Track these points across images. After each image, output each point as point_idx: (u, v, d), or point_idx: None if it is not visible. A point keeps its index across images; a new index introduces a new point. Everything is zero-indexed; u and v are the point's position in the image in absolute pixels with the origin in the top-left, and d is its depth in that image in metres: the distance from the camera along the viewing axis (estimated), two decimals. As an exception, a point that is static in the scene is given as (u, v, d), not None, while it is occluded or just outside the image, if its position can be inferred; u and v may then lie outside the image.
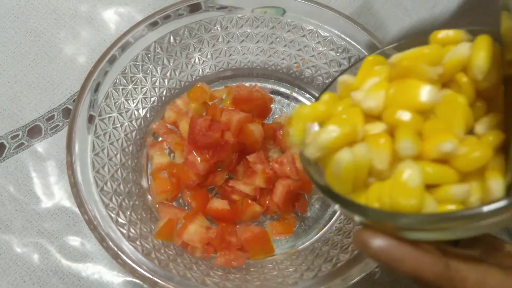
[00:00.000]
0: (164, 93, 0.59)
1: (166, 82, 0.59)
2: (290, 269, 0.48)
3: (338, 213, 0.55)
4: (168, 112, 0.57)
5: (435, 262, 0.28)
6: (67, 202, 0.58)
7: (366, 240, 0.30)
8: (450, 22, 0.72)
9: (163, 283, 0.43)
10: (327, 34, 0.56)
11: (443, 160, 0.29)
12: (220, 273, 0.48)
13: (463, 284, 0.28)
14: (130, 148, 0.55)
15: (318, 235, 0.54)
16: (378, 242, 0.29)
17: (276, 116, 0.61)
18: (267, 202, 0.53)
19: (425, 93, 0.30)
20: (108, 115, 0.53)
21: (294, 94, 0.62)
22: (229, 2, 0.57)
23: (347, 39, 0.56)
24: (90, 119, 0.51)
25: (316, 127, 0.36)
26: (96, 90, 0.52)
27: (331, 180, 0.32)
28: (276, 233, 0.52)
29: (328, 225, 0.54)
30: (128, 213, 0.49)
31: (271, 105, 0.59)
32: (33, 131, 0.62)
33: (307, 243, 0.53)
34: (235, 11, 0.57)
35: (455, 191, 0.28)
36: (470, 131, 0.31)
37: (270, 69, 0.62)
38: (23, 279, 0.54)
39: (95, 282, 0.54)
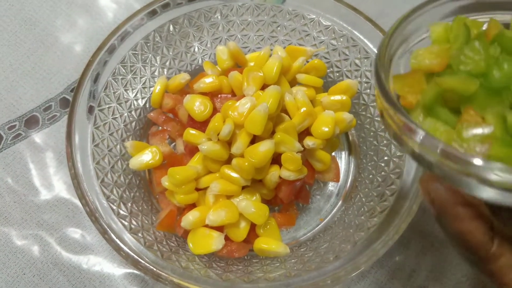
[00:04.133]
0: (164, 82, 0.58)
1: (165, 72, 0.58)
2: (293, 261, 0.48)
3: (339, 203, 0.55)
4: (166, 99, 0.56)
5: (484, 232, 0.30)
6: (66, 193, 0.58)
7: (434, 184, 0.31)
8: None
9: (166, 275, 0.43)
10: (329, 23, 0.56)
11: None
12: (222, 264, 0.48)
13: (496, 260, 0.29)
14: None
15: (320, 226, 0.54)
16: (443, 192, 0.31)
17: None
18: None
19: None
20: (107, 106, 0.52)
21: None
22: (229, -10, 0.56)
23: (349, 28, 0.55)
24: (90, 109, 0.50)
25: None
26: (95, 80, 0.51)
27: None
28: (278, 225, 0.52)
29: (330, 216, 0.54)
30: (129, 204, 0.49)
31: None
32: (30, 122, 0.61)
33: (308, 234, 0.53)
34: (235, -1, 0.57)
35: None
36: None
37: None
38: (23, 272, 0.54)
39: (96, 274, 0.54)
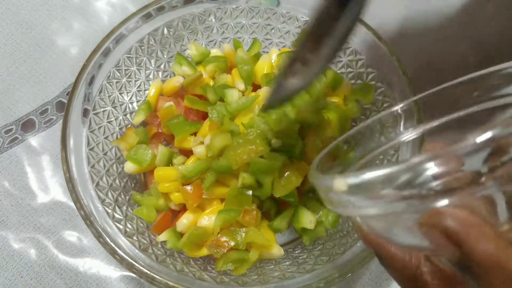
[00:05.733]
0: (159, 85, 0.58)
1: (160, 75, 0.58)
2: (287, 263, 0.48)
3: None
4: (160, 102, 0.56)
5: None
6: (63, 197, 0.58)
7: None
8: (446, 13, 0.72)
9: (161, 278, 0.43)
10: (323, 25, 0.56)
11: None
12: (217, 267, 0.48)
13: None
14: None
15: (315, 227, 0.54)
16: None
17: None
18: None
19: None
20: (102, 109, 0.52)
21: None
22: (224, -7, 0.56)
23: (343, 30, 0.55)
24: (85, 113, 0.50)
25: None
26: (90, 83, 0.51)
27: None
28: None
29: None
30: (125, 208, 0.49)
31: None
32: (27, 125, 0.62)
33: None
34: (229, 2, 0.57)
35: None
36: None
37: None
38: (20, 275, 0.54)
39: (92, 277, 0.54)
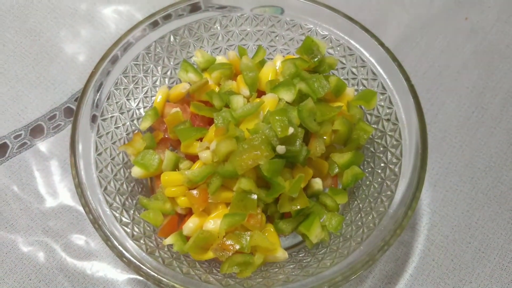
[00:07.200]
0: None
1: (166, 81, 0.60)
2: (291, 266, 0.49)
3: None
4: (167, 108, 0.57)
5: None
6: (71, 201, 0.59)
7: None
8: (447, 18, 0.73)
9: (167, 281, 0.44)
10: (326, 33, 0.57)
11: None
12: (222, 270, 0.49)
13: None
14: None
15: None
16: None
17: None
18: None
19: None
20: (110, 115, 0.54)
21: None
22: (229, 2, 0.57)
23: (346, 37, 0.56)
24: (93, 119, 0.51)
25: None
26: (98, 90, 0.52)
27: None
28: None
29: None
30: (132, 212, 0.50)
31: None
32: (36, 131, 0.63)
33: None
34: (234, 10, 0.58)
35: None
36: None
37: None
38: (29, 277, 0.55)
39: (100, 280, 0.55)
